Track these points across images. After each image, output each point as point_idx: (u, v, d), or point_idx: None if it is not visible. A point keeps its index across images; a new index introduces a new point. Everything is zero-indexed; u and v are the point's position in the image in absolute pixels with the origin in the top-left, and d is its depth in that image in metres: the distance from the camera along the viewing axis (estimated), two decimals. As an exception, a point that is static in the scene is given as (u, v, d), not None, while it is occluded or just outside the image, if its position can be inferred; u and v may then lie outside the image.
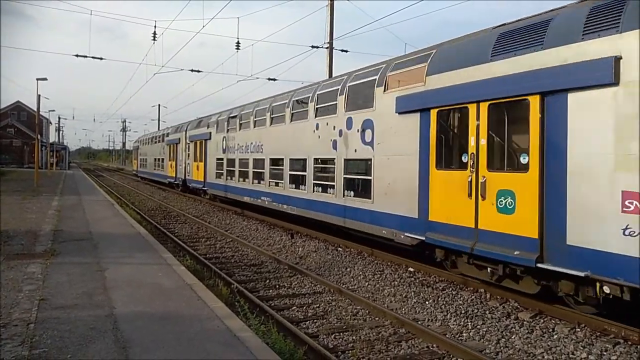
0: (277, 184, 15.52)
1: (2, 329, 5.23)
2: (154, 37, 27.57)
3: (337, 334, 6.61)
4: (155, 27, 26.98)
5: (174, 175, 30.88)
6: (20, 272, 7.80)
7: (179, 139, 29.74)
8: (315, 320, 7.18)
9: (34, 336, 5.05)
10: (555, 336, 6.49)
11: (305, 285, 9.08)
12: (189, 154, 27.33)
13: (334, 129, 12.13)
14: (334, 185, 12.10)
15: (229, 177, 20.46)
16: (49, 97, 75.59)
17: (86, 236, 11.45)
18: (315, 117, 13.15)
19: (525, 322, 7.01)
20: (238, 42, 27.10)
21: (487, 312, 7.48)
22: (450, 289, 8.71)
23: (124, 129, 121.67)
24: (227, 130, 20.83)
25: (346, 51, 29.68)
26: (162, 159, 34.73)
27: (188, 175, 27.45)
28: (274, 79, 31.63)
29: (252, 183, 17.65)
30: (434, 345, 6.22)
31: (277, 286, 9.06)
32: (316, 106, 13.16)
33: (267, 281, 9.39)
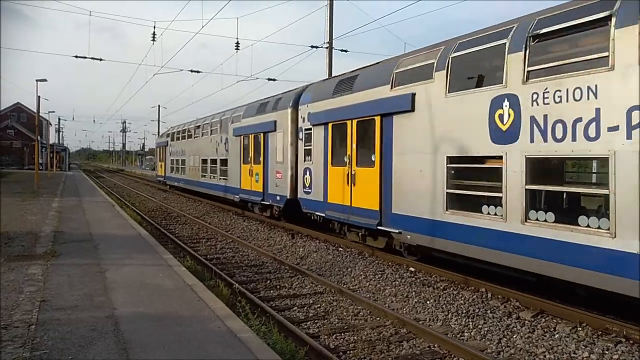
0: None
1: (3, 331, 5.22)
2: (154, 37, 27.57)
3: (338, 334, 6.60)
4: (154, 27, 27.00)
5: (261, 190, 17.07)
6: (20, 274, 7.80)
7: (275, 124, 16.05)
8: (316, 321, 7.17)
9: (34, 338, 5.04)
10: (557, 335, 6.48)
11: (306, 286, 9.07)
12: (309, 150, 13.99)
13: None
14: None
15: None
16: (49, 98, 75.35)
17: (87, 237, 11.45)
18: None
19: (526, 322, 7.00)
20: (237, 43, 27.13)
21: (489, 311, 7.47)
22: (452, 288, 8.70)
23: (123, 130, 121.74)
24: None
25: (346, 51, 29.68)
26: (221, 161, 21.71)
27: (306, 191, 14.17)
28: (274, 79, 31.66)
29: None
30: (436, 345, 6.21)
31: (278, 287, 9.05)
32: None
33: (268, 282, 9.38)
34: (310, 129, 13.77)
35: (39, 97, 34.83)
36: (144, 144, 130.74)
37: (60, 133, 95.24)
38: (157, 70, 48.62)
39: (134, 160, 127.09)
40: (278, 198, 15.72)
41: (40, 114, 38.14)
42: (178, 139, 30.86)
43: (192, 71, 30.18)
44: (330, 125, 12.52)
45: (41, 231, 12.24)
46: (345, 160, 11.82)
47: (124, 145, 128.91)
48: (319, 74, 30.21)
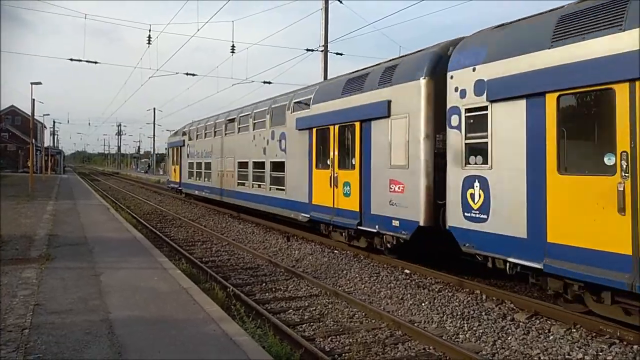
0: None
1: (-3, 335, 5.20)
2: (149, 40, 27.57)
3: (333, 336, 6.60)
4: (150, 30, 27.04)
5: (355, 209, 11.23)
6: (14, 277, 7.76)
7: (388, 105, 10.25)
8: (311, 323, 7.17)
9: (28, 342, 5.02)
10: (551, 337, 6.51)
11: (301, 288, 9.07)
12: (482, 145, 8.06)
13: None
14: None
15: None
16: (44, 101, 74.95)
17: (81, 241, 11.40)
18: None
19: (521, 323, 7.02)
20: (233, 46, 27.17)
21: (483, 313, 7.49)
22: (447, 290, 8.72)
23: (119, 133, 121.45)
24: None
25: (341, 54, 29.80)
26: (273, 165, 15.73)
27: (476, 215, 8.04)
28: (269, 82, 31.70)
29: None
30: (431, 347, 6.22)
31: (274, 289, 9.04)
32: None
33: (264, 284, 9.38)
34: (484, 108, 7.81)
35: (34, 100, 34.70)
36: (139, 147, 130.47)
37: (55, 136, 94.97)
38: (153, 73, 48.55)
39: (129, 163, 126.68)
40: (396, 223, 9.85)
41: (35, 117, 37.98)
42: (199, 137, 24.45)
43: (187, 74, 30.12)
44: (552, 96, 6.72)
45: (35, 234, 12.19)
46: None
47: (119, 148, 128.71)
48: (315, 77, 30.19)
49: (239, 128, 18.75)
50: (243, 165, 18.14)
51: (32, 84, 33.59)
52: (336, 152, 11.85)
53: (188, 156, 26.38)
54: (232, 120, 19.56)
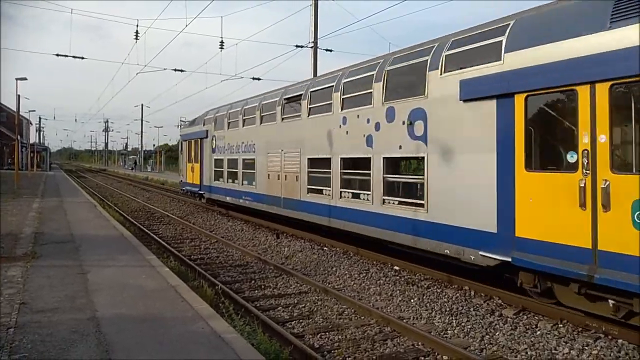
0: None
1: (-19, 334, 5.12)
2: (137, 36, 27.31)
3: (322, 333, 6.60)
4: (137, 25, 26.79)
5: None
6: (-1, 276, 7.65)
7: None
8: (301, 320, 7.17)
9: (13, 341, 4.95)
10: (538, 332, 6.58)
11: (291, 286, 9.06)
12: None
13: None
14: None
15: None
16: (30, 97, 74.16)
17: (68, 238, 11.27)
18: None
19: (509, 319, 7.09)
20: (222, 42, 27.02)
21: (472, 309, 7.54)
22: (435, 286, 8.77)
23: (106, 129, 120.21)
24: None
25: (331, 50, 29.75)
26: (387, 164, 9.99)
27: None
28: (259, 79, 31.59)
29: None
30: (419, 343, 6.25)
31: (263, 287, 9.02)
32: None
33: (253, 282, 9.35)
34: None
35: (19, 95, 34.19)
36: (126, 144, 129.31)
37: (41, 132, 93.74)
38: (141, 69, 48.16)
39: (117, 160, 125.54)
40: None
41: (20, 113, 37.44)
42: (234, 125, 17.96)
43: (175, 70, 29.91)
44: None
45: (21, 232, 12.03)
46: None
47: (106, 144, 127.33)
48: (304, 73, 30.15)
49: (309, 109, 12.71)
50: (318, 163, 12.24)
51: (17, 79, 33.11)
52: (605, 139, 5.90)
53: (214, 151, 19.58)
54: (295, 100, 13.61)
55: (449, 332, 6.71)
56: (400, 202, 9.44)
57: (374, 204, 10.05)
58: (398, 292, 8.49)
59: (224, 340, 5.12)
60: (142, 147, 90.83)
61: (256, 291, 8.77)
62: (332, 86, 11.76)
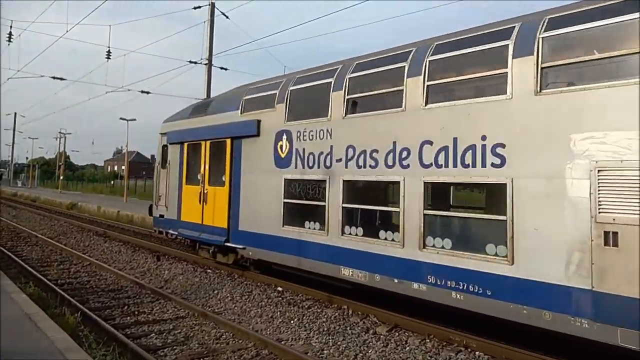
0: None
1: None
2: (9, 38, 24.87)
3: (196, 359, 6.33)
4: (11, 27, 24.42)
5: None
6: None
7: None
8: (174, 347, 6.81)
9: None
10: (408, 348, 6.92)
11: (167, 311, 8.60)
12: None
13: None
14: None
15: None
16: None
17: None
18: None
19: (382, 336, 7.38)
20: (109, 51, 25.55)
21: (348, 328, 7.74)
22: (316, 307, 8.88)
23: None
24: None
25: (225, 69, 29.53)
26: None
27: None
28: (148, 92, 30.28)
29: None
30: (295, 365, 6.24)
31: (137, 312, 8.46)
32: None
33: (126, 307, 8.73)
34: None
35: None
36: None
37: None
38: (13, 74, 43.68)
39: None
40: None
41: None
42: (368, 105, 8.47)
43: (54, 78, 27.60)
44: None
45: None
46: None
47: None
48: (199, 90, 29.51)
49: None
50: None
51: None
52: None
53: (283, 163, 9.85)
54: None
55: (325, 351, 6.79)
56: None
57: None
58: (279, 313, 8.46)
59: (80, 373, 4.68)
60: (12, 160, 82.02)
61: (128, 317, 8.19)
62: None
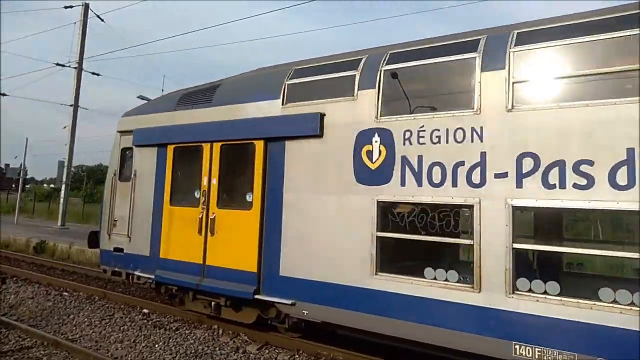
0: None
1: None
2: None
3: (39, 395, 5.65)
4: None
5: None
6: None
7: None
8: (13, 383, 6.02)
9: None
10: (277, 365, 6.88)
11: (10, 341, 7.60)
12: None
13: None
14: None
15: None
16: None
17: None
18: None
19: (252, 354, 7.26)
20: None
21: (218, 348, 7.49)
22: (184, 328, 8.48)
23: None
24: None
25: (98, 74, 27.58)
26: None
27: None
28: (4, 94, 27.25)
29: None
30: (156, 392, 5.86)
31: (-31, 345, 7.36)
32: None
33: (-45, 340, 7.55)
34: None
35: None
36: None
37: None
38: None
39: None
40: None
41: None
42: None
43: None
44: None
45: None
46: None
47: None
48: (65, 94, 27.29)
49: None
50: None
51: None
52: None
53: (367, 177, 6.75)
54: None
55: (190, 375, 6.49)
56: None
57: None
58: (143, 337, 7.91)
59: None
60: None
61: (-42, 352, 7.09)
62: None
